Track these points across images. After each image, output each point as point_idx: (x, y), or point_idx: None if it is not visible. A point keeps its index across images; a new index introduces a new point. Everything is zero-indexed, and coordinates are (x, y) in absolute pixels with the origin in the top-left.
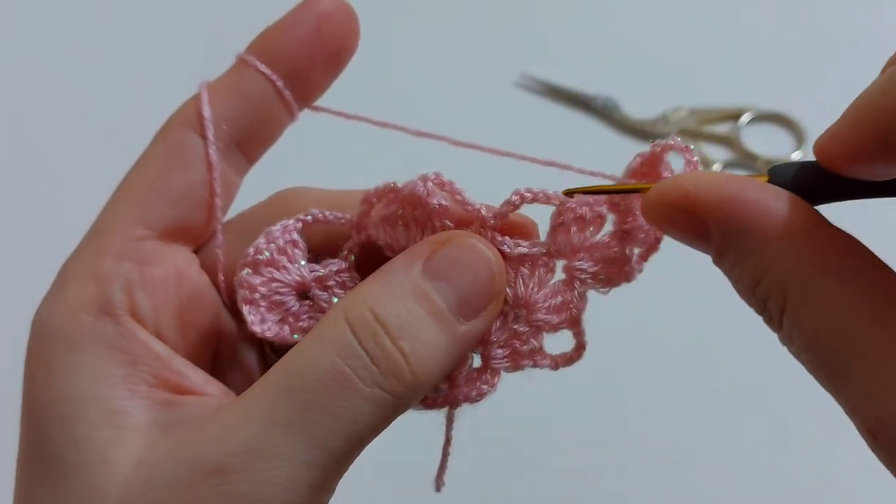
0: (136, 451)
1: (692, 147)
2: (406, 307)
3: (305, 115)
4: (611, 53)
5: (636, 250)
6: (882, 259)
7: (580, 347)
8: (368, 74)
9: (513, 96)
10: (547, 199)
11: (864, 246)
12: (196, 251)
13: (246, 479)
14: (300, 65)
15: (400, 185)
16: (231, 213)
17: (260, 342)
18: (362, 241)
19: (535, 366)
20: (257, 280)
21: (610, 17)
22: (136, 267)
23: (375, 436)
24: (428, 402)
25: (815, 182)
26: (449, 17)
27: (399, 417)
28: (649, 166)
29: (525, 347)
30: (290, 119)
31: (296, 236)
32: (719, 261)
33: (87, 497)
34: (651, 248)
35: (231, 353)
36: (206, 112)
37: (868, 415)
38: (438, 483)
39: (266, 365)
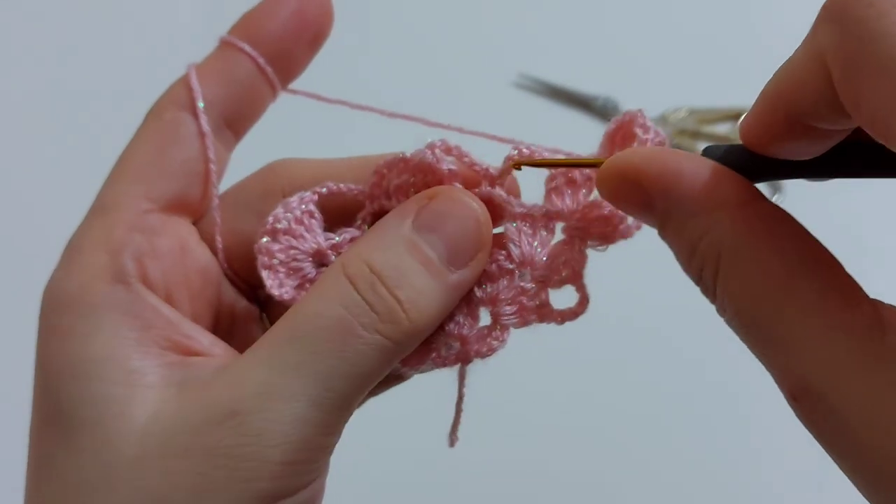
0: (151, 405)
1: (650, 124)
2: (399, 258)
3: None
4: (611, 53)
5: None
6: (811, 233)
7: (584, 301)
8: (368, 74)
9: (512, 96)
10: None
11: (794, 220)
12: (194, 223)
13: (259, 419)
14: (282, 46)
15: (409, 155)
16: (222, 188)
17: (259, 313)
18: (375, 210)
19: (542, 321)
20: (276, 247)
21: (610, 17)
22: (145, 238)
23: (377, 380)
24: (440, 360)
25: (743, 162)
26: (449, 17)
27: (413, 378)
28: (612, 144)
29: (532, 303)
30: (273, 97)
31: (312, 207)
32: (662, 232)
33: (103, 448)
34: None
35: (230, 323)
36: (196, 88)
37: (789, 378)
38: (452, 438)
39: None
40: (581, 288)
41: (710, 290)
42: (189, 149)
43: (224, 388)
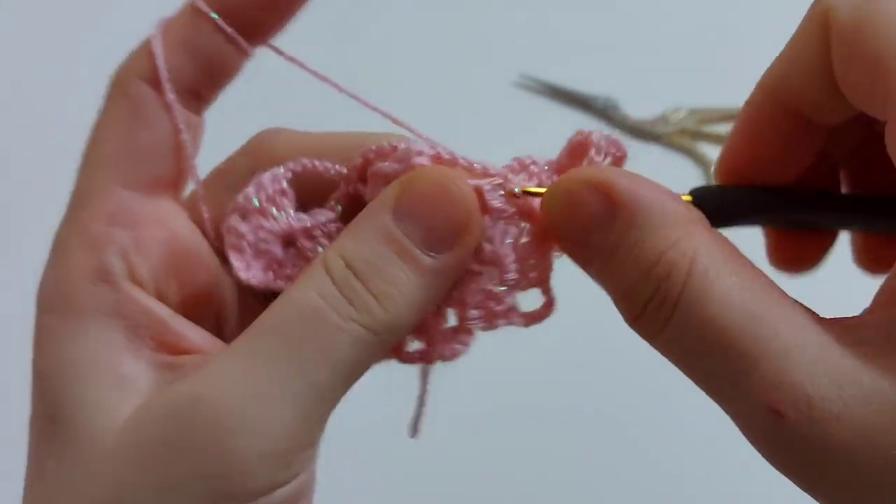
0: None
1: (617, 140)
2: (373, 250)
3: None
4: (611, 53)
5: None
6: None
7: (549, 304)
8: (368, 74)
9: (512, 96)
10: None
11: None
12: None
13: (236, 411)
14: (253, 11)
15: (400, 146)
16: (206, 154)
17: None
18: (349, 192)
19: (508, 324)
20: (245, 227)
21: (610, 17)
22: (127, 230)
23: (361, 372)
24: (404, 357)
25: (710, 204)
26: (449, 16)
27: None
28: (573, 158)
29: (499, 307)
30: (246, 58)
31: (285, 185)
32: (615, 239)
33: (87, 446)
34: None
35: (231, 304)
36: (159, 55)
37: (773, 392)
38: (414, 430)
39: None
40: (547, 291)
41: (665, 308)
42: (159, 125)
43: (197, 380)
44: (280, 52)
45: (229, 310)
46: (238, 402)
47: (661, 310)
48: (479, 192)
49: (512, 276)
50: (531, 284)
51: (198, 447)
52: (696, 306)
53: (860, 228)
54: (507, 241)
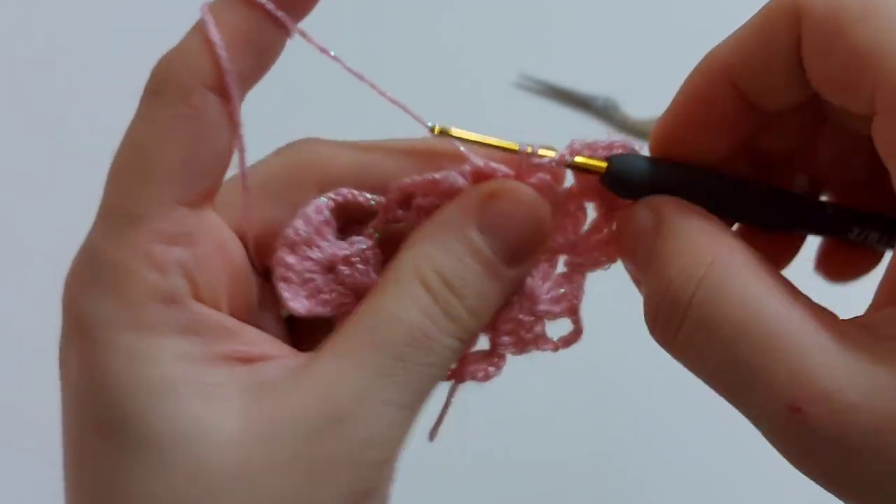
0: (234, 418)
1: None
2: (464, 265)
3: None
4: (611, 53)
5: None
6: None
7: (578, 332)
8: (368, 74)
9: (512, 96)
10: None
11: None
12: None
13: (362, 424)
14: None
15: (439, 177)
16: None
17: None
18: (389, 219)
19: (538, 349)
20: (293, 259)
21: (610, 17)
22: (187, 249)
23: (444, 377)
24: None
25: (638, 174)
26: (449, 16)
27: None
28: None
29: (529, 335)
30: (287, 37)
31: (328, 214)
32: (654, 250)
33: (192, 465)
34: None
35: (253, 307)
36: (224, 61)
37: (791, 392)
38: (433, 434)
39: (283, 322)
40: (577, 321)
41: (678, 308)
42: (221, 140)
43: (319, 396)
44: (309, 39)
45: (253, 304)
46: (370, 420)
47: (675, 310)
48: (544, 192)
49: (543, 307)
50: (561, 314)
51: (341, 461)
52: (710, 306)
53: (789, 226)
54: (536, 276)
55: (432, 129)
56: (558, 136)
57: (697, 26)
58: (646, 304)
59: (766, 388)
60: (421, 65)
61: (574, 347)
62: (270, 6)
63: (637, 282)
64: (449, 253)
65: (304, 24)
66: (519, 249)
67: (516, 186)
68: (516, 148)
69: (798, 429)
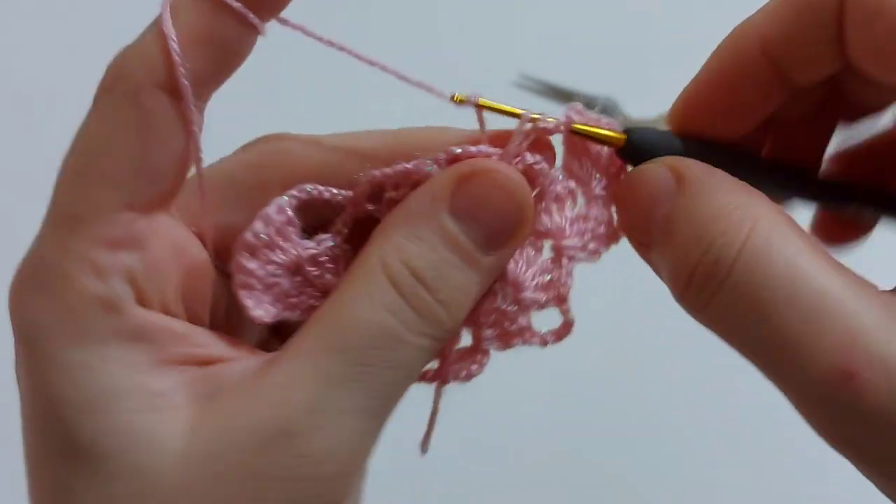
0: (182, 426)
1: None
2: (437, 255)
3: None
4: (611, 54)
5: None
6: None
7: (568, 324)
8: (368, 74)
9: (512, 96)
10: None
11: None
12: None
13: (315, 438)
14: None
15: (411, 166)
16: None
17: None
18: (357, 215)
19: (524, 343)
20: (254, 265)
21: (610, 17)
22: (133, 255)
23: (416, 378)
24: (419, 377)
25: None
26: (449, 16)
27: None
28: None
29: (513, 327)
30: (257, 38)
31: (290, 213)
32: (677, 207)
33: (137, 476)
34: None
35: (220, 301)
36: (178, 58)
37: (845, 355)
38: (424, 447)
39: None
40: (566, 311)
41: (720, 267)
42: (174, 142)
43: (271, 405)
44: (288, 24)
45: (219, 306)
46: (321, 433)
47: (714, 274)
48: (529, 174)
49: (528, 294)
50: (548, 303)
51: (287, 476)
52: (755, 271)
53: (803, 197)
54: (520, 261)
55: (453, 98)
56: (558, 135)
57: (698, 26)
58: (674, 270)
59: (816, 352)
60: (421, 65)
61: (565, 342)
62: (235, 3)
63: (644, 247)
64: (419, 242)
65: (304, 24)
66: (497, 234)
67: (492, 165)
68: (536, 116)
69: (849, 397)
